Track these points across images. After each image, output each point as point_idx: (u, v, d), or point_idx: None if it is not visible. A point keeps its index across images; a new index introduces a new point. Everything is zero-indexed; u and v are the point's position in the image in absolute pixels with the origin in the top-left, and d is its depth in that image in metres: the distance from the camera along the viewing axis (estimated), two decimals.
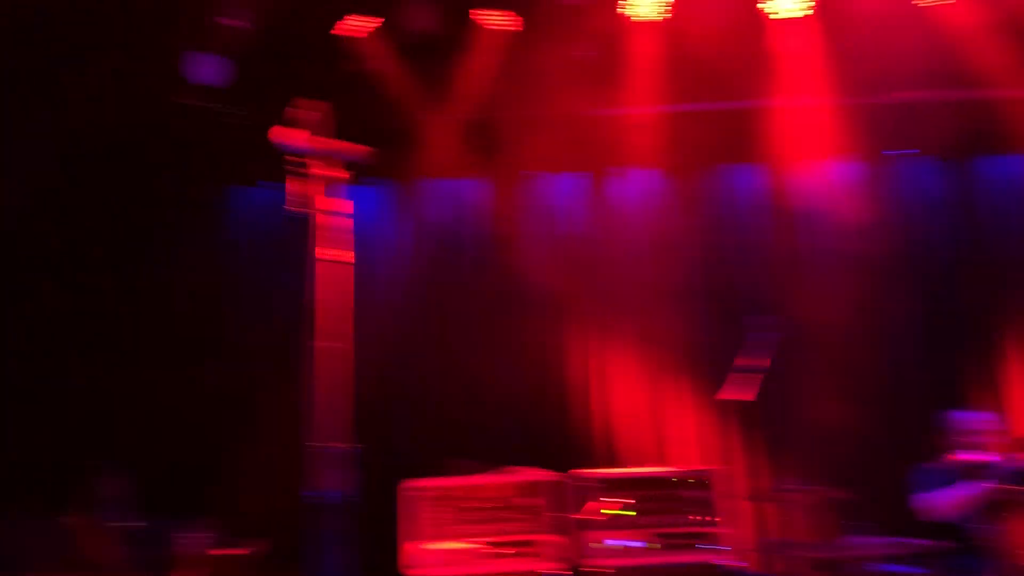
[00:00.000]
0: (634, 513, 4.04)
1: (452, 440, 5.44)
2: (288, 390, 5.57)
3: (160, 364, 5.85)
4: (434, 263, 6.07)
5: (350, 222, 1.79)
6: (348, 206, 1.77)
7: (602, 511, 4.04)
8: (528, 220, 6.03)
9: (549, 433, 5.61)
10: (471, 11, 5.24)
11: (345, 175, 1.77)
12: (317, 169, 1.73)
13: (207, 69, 5.41)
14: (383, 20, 5.26)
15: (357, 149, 1.86)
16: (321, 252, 1.67)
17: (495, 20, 5.25)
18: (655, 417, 5.77)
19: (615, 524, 4.03)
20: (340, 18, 5.29)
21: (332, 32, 5.30)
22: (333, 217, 1.72)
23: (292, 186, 1.76)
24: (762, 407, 4.13)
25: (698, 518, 4.02)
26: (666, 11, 5.13)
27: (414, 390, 5.82)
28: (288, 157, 1.78)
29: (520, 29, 5.25)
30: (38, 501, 4.57)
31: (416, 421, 5.74)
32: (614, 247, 5.97)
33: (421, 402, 5.80)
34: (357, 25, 5.31)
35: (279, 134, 1.87)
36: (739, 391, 3.92)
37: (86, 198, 5.90)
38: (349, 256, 1.80)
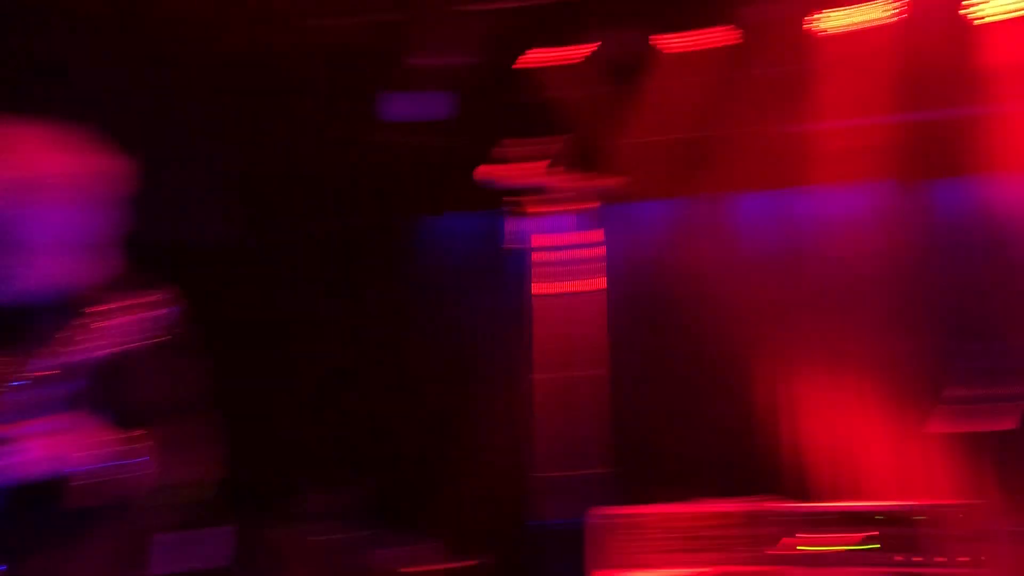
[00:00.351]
0: (842, 548, 3.80)
1: (648, 468, 5.37)
2: (503, 415, 5.77)
3: (376, 387, 6.16)
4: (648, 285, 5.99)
5: (565, 255, 1.81)
6: (578, 236, 1.78)
7: (803, 546, 3.81)
8: (732, 240, 5.86)
9: (751, 461, 5.41)
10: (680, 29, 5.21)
11: (564, 208, 1.80)
12: (533, 206, 1.77)
13: (406, 106, 5.66)
14: (587, 46, 5.28)
15: (578, 184, 1.88)
16: (538, 287, 1.71)
17: (706, 37, 5.19)
18: (863, 448, 5.43)
19: (818, 561, 3.79)
20: (539, 46, 5.38)
21: (532, 62, 5.41)
22: (551, 252, 1.76)
23: (510, 223, 1.81)
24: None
25: (923, 558, 3.72)
26: (887, 18, 4.90)
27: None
28: (505, 195, 1.83)
29: (734, 44, 5.18)
30: (262, 514, 4.90)
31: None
32: (822, 266, 5.69)
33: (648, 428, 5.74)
34: (554, 54, 5.40)
35: (490, 172, 1.93)
36: (985, 421, 3.60)
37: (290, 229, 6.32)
38: (560, 288, 1.83)
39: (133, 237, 1.96)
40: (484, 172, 1.82)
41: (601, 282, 1.68)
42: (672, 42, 5.23)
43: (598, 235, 1.79)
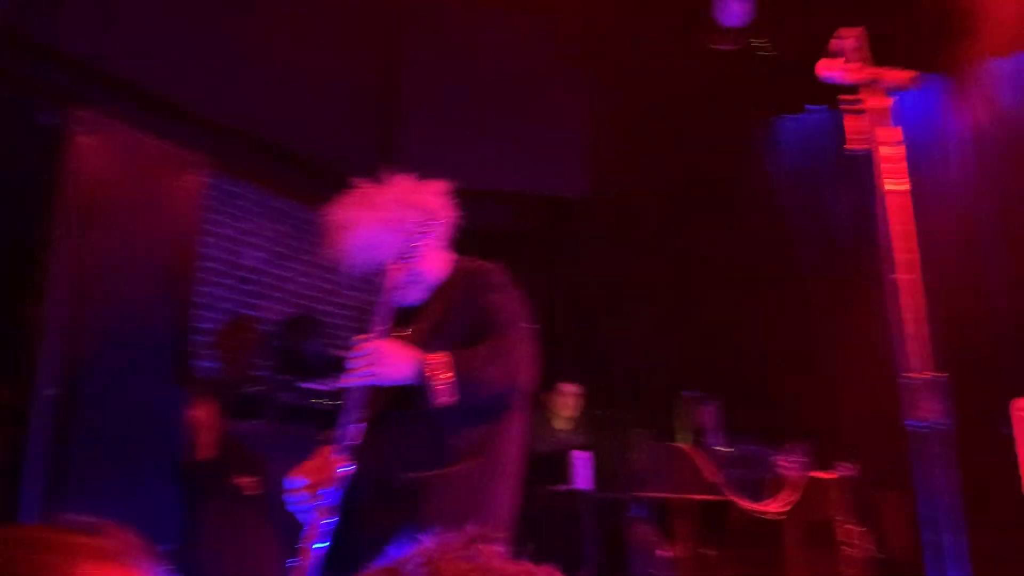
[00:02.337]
0: None
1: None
2: (863, 317, 5.57)
3: (741, 293, 6.23)
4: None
5: (903, 150, 1.71)
6: (898, 134, 1.69)
7: None
8: None
9: None
10: None
11: (890, 101, 1.69)
12: (870, 101, 1.69)
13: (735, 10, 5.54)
14: None
15: (903, 75, 1.76)
16: (887, 184, 1.63)
17: None
18: None
19: None
20: None
21: None
22: (892, 148, 1.67)
23: (849, 122, 1.74)
24: None
25: None
26: None
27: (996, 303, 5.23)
28: (839, 93, 1.76)
29: None
30: (649, 428, 5.19)
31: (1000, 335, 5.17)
32: None
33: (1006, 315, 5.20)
34: None
35: (826, 67, 1.86)
36: None
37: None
38: (905, 185, 1.73)
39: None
40: (822, 67, 1.74)
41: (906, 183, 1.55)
42: None
43: (898, 133, 1.65)
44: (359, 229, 2.29)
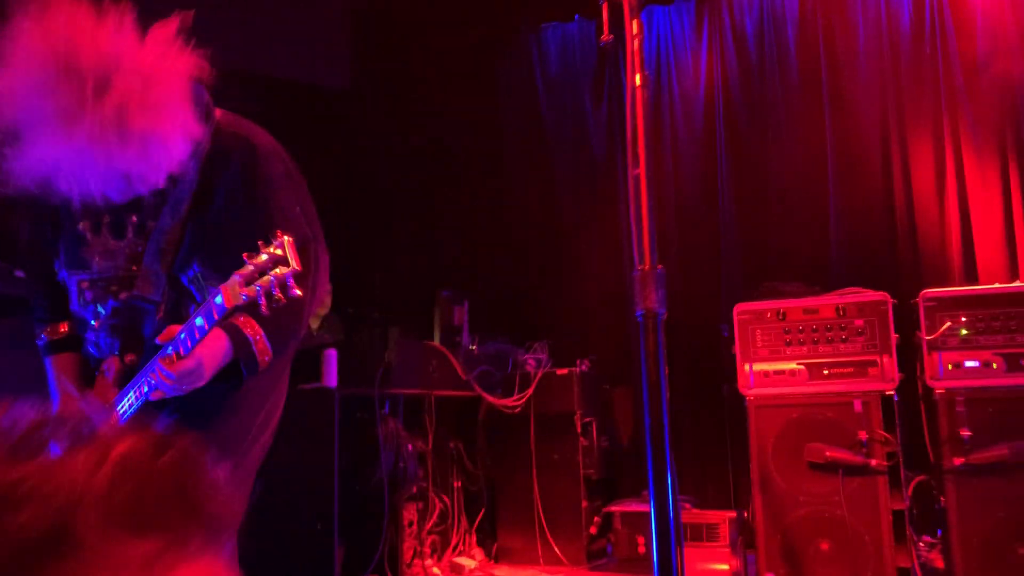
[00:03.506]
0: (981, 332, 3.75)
1: (776, 261, 5.36)
2: (604, 221, 5.89)
3: (488, 196, 6.36)
4: (746, 74, 5.77)
5: (641, 43, 1.75)
6: (641, 27, 1.72)
7: (951, 331, 3.79)
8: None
9: (881, 251, 5.26)
10: None
11: None
12: None
13: None
14: None
15: None
16: (633, 78, 1.67)
17: None
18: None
19: (964, 345, 3.77)
20: None
21: None
22: (639, 41, 1.70)
23: (604, 14, 1.74)
24: None
25: None
26: None
27: (725, 212, 5.71)
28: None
29: None
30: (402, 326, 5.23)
31: (728, 241, 5.66)
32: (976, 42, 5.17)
33: (733, 222, 5.69)
34: None
35: None
36: None
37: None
38: (644, 79, 1.77)
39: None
40: None
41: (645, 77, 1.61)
42: None
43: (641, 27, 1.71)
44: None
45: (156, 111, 1.70)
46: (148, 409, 1.86)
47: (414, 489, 4.56)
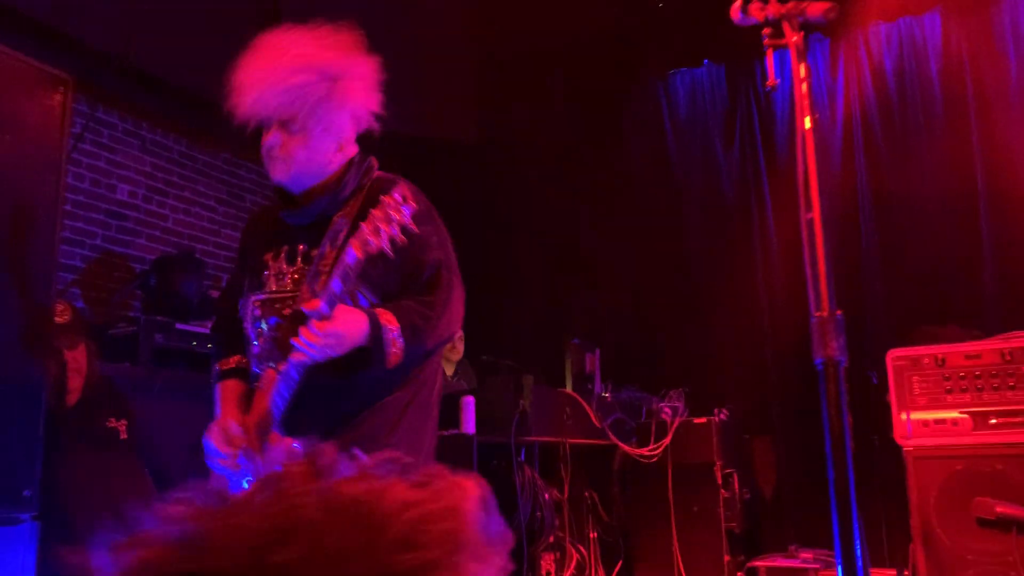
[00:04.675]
0: None
1: (925, 303, 5.11)
2: (741, 270, 5.74)
3: (617, 242, 6.33)
4: (886, 110, 5.58)
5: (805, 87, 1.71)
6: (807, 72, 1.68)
7: None
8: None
9: None
10: None
11: (800, 36, 1.68)
12: (792, 36, 1.67)
13: None
14: None
15: (823, 6, 1.75)
16: (803, 122, 1.63)
17: None
18: None
19: None
20: None
21: None
22: (807, 84, 1.66)
23: (769, 59, 1.72)
24: None
25: None
26: None
27: (868, 252, 5.48)
28: (760, 30, 1.73)
29: None
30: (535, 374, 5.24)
31: (872, 282, 5.43)
32: None
33: (877, 263, 5.46)
34: None
35: (738, 10, 1.83)
36: None
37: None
38: (811, 123, 1.73)
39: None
40: (735, 11, 1.72)
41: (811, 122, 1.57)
42: None
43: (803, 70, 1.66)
44: (256, 90, 2.03)
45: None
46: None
47: (551, 539, 4.50)
